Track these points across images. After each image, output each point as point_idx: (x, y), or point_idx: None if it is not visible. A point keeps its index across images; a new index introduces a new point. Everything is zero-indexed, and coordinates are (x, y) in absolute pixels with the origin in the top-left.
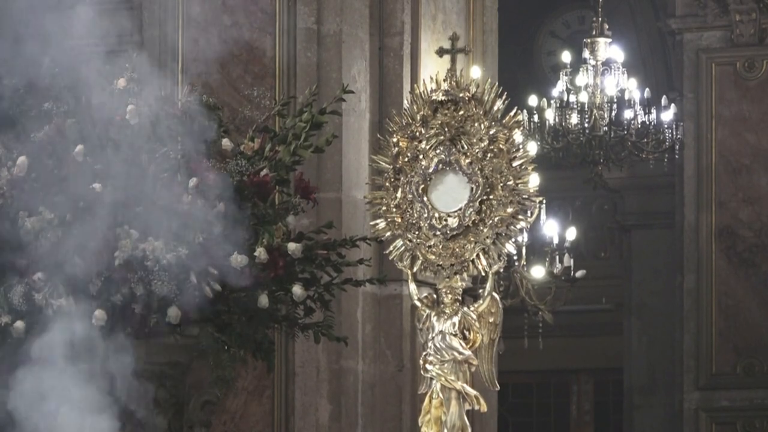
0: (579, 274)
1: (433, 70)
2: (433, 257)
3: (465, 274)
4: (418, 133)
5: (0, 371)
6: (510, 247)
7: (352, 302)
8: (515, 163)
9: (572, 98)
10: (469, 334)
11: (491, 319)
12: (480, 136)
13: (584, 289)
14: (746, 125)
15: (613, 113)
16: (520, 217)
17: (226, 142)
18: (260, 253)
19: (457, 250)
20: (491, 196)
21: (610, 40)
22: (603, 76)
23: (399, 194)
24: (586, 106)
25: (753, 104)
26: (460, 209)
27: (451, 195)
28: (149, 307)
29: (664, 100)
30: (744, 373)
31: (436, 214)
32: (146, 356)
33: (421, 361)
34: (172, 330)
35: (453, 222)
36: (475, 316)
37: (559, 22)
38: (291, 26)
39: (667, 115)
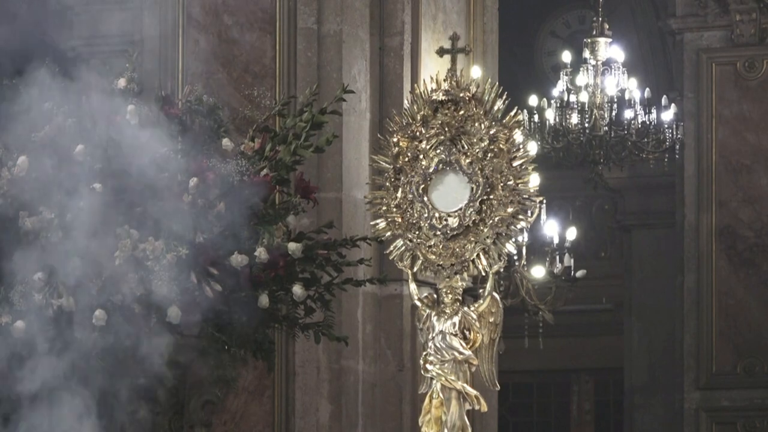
0: (579, 274)
1: (433, 70)
2: (434, 257)
3: (465, 274)
4: (418, 133)
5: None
6: (510, 247)
7: (353, 302)
8: (515, 163)
9: (572, 98)
10: (470, 333)
11: (491, 319)
12: (480, 136)
13: (584, 289)
14: (746, 125)
15: (614, 113)
16: (520, 216)
17: (226, 142)
18: (260, 253)
19: (457, 250)
20: (491, 196)
21: (610, 40)
22: (603, 76)
23: (399, 194)
24: (586, 106)
25: (753, 104)
26: (460, 209)
27: (452, 195)
28: (149, 307)
29: (664, 100)
30: (744, 373)
31: (437, 214)
32: (147, 356)
33: (422, 361)
34: (172, 330)
35: (453, 222)
36: (475, 316)
37: (559, 22)
38: (291, 26)
39: (668, 115)
